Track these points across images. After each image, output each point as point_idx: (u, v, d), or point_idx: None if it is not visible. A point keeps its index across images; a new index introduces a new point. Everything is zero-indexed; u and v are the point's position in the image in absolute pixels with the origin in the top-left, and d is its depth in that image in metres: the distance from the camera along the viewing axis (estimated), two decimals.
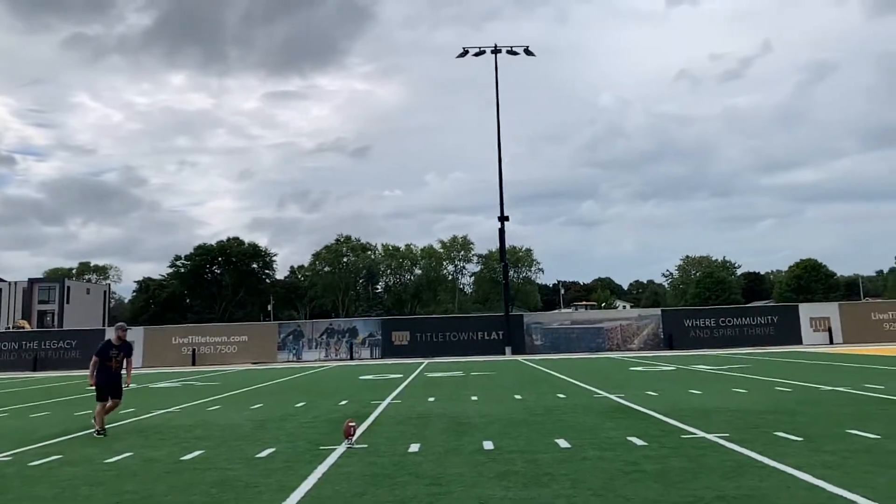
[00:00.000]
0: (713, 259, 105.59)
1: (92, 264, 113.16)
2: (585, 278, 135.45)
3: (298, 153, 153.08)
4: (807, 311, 37.86)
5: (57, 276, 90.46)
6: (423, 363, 29.12)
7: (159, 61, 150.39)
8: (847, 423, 8.54)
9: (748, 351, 31.09)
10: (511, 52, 39.85)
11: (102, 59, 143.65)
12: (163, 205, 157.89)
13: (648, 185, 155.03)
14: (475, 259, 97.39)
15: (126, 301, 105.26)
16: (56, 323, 74.63)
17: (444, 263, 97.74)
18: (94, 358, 9.75)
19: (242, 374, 25.92)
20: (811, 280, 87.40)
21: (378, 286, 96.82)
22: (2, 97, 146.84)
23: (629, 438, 7.93)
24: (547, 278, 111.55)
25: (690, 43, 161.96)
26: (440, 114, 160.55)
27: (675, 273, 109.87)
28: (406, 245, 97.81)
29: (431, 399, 13.50)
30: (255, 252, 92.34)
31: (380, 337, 37.97)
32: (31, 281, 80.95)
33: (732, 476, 5.86)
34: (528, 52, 39.77)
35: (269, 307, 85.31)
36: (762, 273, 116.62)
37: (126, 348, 9.92)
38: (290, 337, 38.42)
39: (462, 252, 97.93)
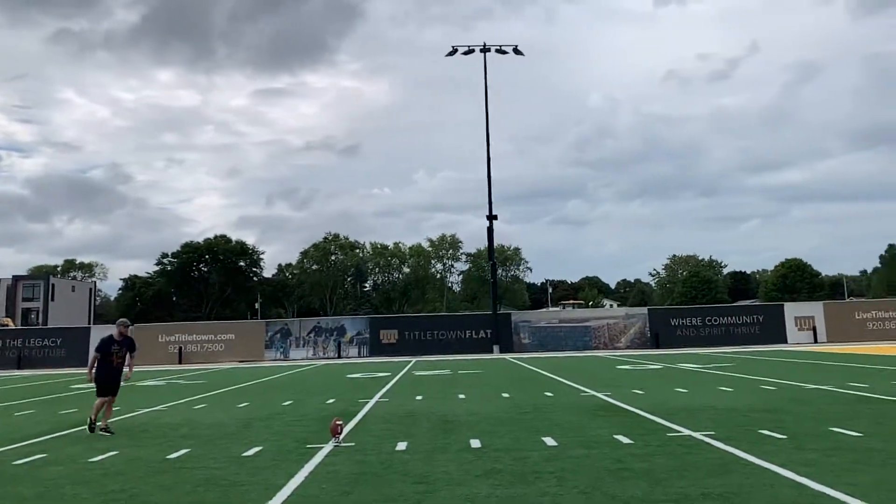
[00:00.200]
0: (700, 258, 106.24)
1: (77, 262, 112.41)
2: (573, 277, 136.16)
3: (287, 151, 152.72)
4: (792, 310, 38.16)
5: (42, 274, 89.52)
6: (411, 362, 29.11)
7: (147, 57, 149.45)
8: (831, 421, 8.62)
9: (734, 350, 31.30)
10: (500, 52, 39.87)
11: (89, 54, 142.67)
12: (150, 202, 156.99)
13: (636, 184, 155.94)
14: (463, 258, 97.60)
15: (112, 299, 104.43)
16: (40, 321, 73.97)
17: (433, 262, 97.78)
18: (94, 353, 9.67)
19: (229, 373, 25.81)
20: (796, 280, 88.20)
21: (366, 284, 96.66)
22: None
23: (616, 436, 7.97)
24: (535, 277, 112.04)
25: (678, 43, 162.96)
26: (429, 112, 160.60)
27: (662, 272, 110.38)
28: (394, 243, 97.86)
29: (419, 397, 13.50)
30: (243, 250, 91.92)
31: (368, 335, 37.91)
32: (16, 278, 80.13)
33: (718, 474, 5.90)
34: (516, 51, 39.83)
35: (257, 305, 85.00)
36: (748, 272, 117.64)
37: (128, 343, 9.82)
38: (278, 335, 38.28)
39: (450, 251, 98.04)
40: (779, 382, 14.19)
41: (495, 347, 35.85)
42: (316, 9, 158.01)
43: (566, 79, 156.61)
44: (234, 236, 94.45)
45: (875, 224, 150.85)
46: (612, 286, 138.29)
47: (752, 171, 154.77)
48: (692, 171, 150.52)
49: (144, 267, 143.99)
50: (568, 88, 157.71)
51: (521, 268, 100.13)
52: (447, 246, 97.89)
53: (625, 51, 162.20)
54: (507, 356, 32.40)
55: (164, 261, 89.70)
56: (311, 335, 38.22)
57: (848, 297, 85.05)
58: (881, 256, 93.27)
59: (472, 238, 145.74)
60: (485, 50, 39.66)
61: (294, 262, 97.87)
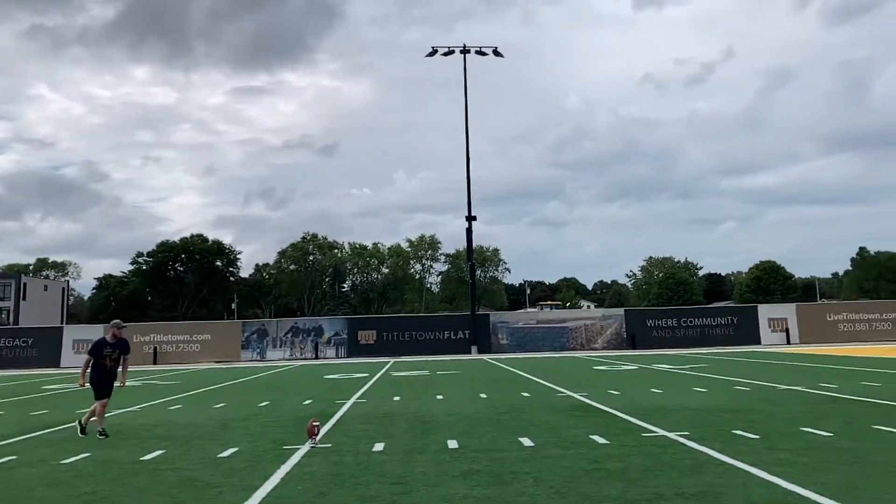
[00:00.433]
0: (676, 260, 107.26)
1: (50, 260, 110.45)
2: (551, 278, 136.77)
3: (264, 149, 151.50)
4: (765, 311, 38.74)
5: (13, 273, 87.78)
6: (389, 362, 29.06)
7: (123, 54, 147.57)
8: (802, 421, 8.77)
9: (709, 350, 31.68)
10: (480, 53, 39.98)
11: (63, 50, 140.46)
12: (125, 200, 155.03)
13: (613, 186, 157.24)
14: (442, 258, 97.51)
15: (85, 298, 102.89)
16: (12, 320, 72.64)
17: (412, 263, 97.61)
18: (86, 357, 9.47)
19: (205, 373, 25.56)
20: (770, 281, 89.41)
21: (344, 285, 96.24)
22: None
23: (591, 437, 8.04)
24: (513, 278, 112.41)
25: (656, 47, 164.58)
26: (409, 112, 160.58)
27: (639, 274, 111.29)
28: (373, 244, 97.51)
29: (397, 398, 13.49)
30: (220, 249, 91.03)
31: (346, 336, 37.78)
32: None
33: (691, 473, 5.98)
34: (496, 52, 39.96)
35: (234, 305, 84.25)
36: (723, 274, 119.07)
37: (122, 346, 9.64)
38: (255, 336, 37.99)
39: (429, 251, 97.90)
40: (752, 383, 14.39)
41: (473, 348, 35.92)
42: (295, 8, 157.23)
43: (545, 80, 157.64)
44: (210, 235, 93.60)
45: (846, 227, 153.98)
46: (590, 287, 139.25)
47: (727, 174, 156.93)
48: (669, 174, 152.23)
49: (119, 266, 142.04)
50: (547, 90, 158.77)
51: (499, 269, 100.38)
52: (426, 246, 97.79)
53: (603, 53, 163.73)
54: (485, 357, 32.47)
55: (140, 260, 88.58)
56: (289, 336, 37.99)
57: (820, 299, 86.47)
58: (852, 259, 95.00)
59: (452, 239, 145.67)
60: (465, 51, 39.74)
61: (271, 262, 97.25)
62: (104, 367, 9.43)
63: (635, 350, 34.82)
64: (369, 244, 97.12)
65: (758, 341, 36.59)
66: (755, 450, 6.96)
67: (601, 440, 7.79)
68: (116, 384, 9.68)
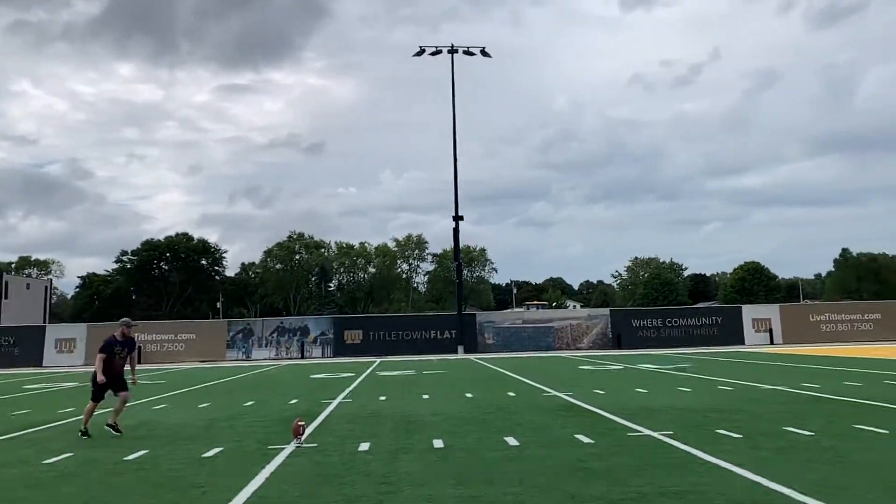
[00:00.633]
0: (661, 261, 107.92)
1: (33, 258, 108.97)
2: (537, 278, 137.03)
3: (250, 148, 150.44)
4: (749, 312, 39.07)
5: None
6: (375, 362, 29.01)
7: (107, 50, 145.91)
8: (785, 421, 8.85)
9: (693, 350, 31.89)
10: (468, 53, 39.98)
11: (47, 45, 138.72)
12: (108, 198, 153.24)
13: (600, 187, 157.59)
14: (429, 258, 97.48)
15: (69, 297, 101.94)
16: None
17: (399, 262, 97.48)
18: (100, 355, 9.38)
19: (190, 373, 25.40)
20: (754, 282, 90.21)
21: (331, 284, 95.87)
22: None
23: (577, 436, 8.07)
24: (500, 278, 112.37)
25: (643, 49, 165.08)
26: (396, 112, 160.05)
27: (624, 274, 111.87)
28: (360, 243, 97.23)
29: (383, 398, 13.47)
30: (205, 248, 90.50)
31: (332, 335, 37.67)
32: None
33: (675, 473, 6.01)
34: (484, 53, 39.98)
35: (219, 304, 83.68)
36: (708, 275, 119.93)
37: (130, 344, 9.61)
38: (240, 335, 37.80)
39: (416, 251, 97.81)
40: (735, 383, 14.51)
41: (460, 348, 35.93)
42: (283, 6, 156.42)
43: (533, 81, 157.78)
44: (195, 234, 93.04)
45: (830, 229, 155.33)
46: (576, 287, 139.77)
47: (713, 176, 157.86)
48: (655, 175, 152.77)
49: (103, 265, 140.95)
50: (534, 91, 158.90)
51: (486, 268, 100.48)
52: (413, 246, 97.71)
53: (591, 55, 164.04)
54: (472, 356, 32.50)
55: (124, 258, 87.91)
56: (274, 335, 37.83)
57: (803, 299, 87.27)
58: (835, 260, 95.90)
59: (439, 238, 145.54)
60: (452, 51, 39.72)
61: (257, 261, 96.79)
62: (113, 366, 9.37)
63: (621, 350, 34.97)
64: (356, 243, 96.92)
65: (742, 341, 36.88)
66: (739, 449, 7.01)
67: (586, 439, 7.82)
68: (129, 381, 9.58)
